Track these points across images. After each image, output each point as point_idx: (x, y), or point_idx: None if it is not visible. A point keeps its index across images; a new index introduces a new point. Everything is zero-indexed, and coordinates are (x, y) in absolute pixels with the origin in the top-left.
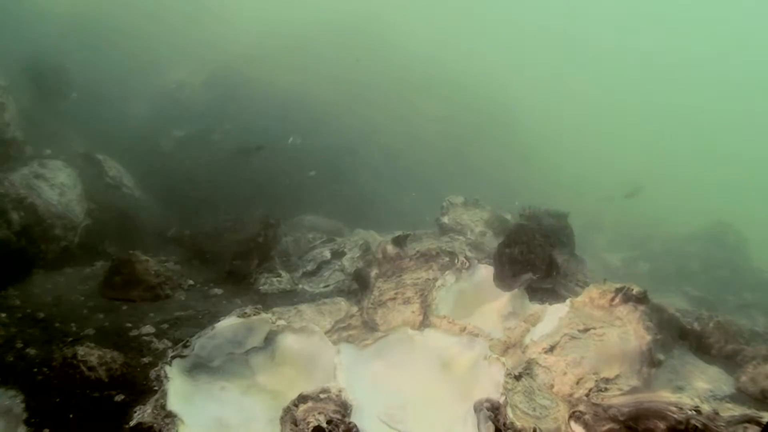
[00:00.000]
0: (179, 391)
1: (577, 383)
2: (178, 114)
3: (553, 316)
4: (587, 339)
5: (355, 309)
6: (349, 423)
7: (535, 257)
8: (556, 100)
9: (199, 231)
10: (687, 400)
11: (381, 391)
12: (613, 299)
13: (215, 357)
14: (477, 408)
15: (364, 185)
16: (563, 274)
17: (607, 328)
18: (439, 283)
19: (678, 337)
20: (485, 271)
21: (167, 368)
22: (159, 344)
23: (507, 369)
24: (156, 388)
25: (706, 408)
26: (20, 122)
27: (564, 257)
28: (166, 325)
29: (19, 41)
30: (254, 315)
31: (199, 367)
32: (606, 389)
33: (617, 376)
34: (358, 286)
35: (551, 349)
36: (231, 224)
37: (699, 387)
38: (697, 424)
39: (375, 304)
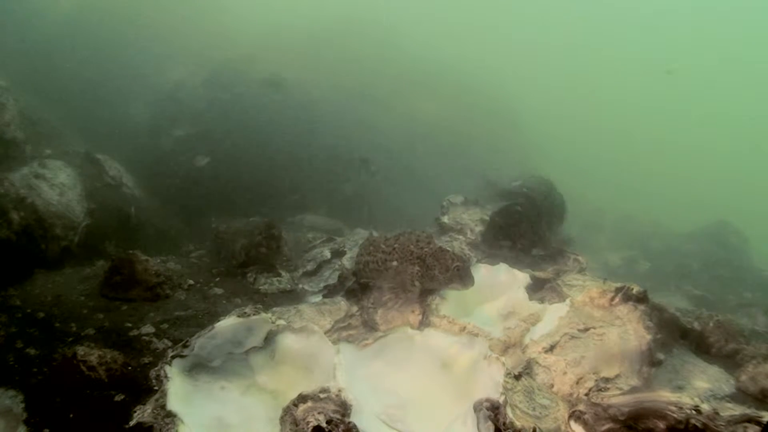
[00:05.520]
0: (179, 390)
1: (577, 383)
2: (178, 114)
3: (553, 315)
4: (587, 338)
5: (354, 309)
6: (349, 423)
7: (520, 228)
8: (558, 100)
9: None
10: (687, 399)
11: (381, 390)
12: (613, 299)
13: (215, 357)
14: (476, 407)
15: (364, 184)
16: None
17: (607, 328)
18: None
19: (678, 337)
20: (485, 271)
21: (167, 368)
22: (159, 344)
23: (507, 368)
24: (156, 387)
25: (705, 407)
26: (20, 122)
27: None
28: (166, 325)
29: (18, 41)
30: (254, 315)
31: (198, 367)
32: (606, 389)
33: (617, 376)
34: (357, 286)
35: (551, 349)
36: (238, 228)
37: (699, 386)
38: (697, 424)
39: (375, 304)
